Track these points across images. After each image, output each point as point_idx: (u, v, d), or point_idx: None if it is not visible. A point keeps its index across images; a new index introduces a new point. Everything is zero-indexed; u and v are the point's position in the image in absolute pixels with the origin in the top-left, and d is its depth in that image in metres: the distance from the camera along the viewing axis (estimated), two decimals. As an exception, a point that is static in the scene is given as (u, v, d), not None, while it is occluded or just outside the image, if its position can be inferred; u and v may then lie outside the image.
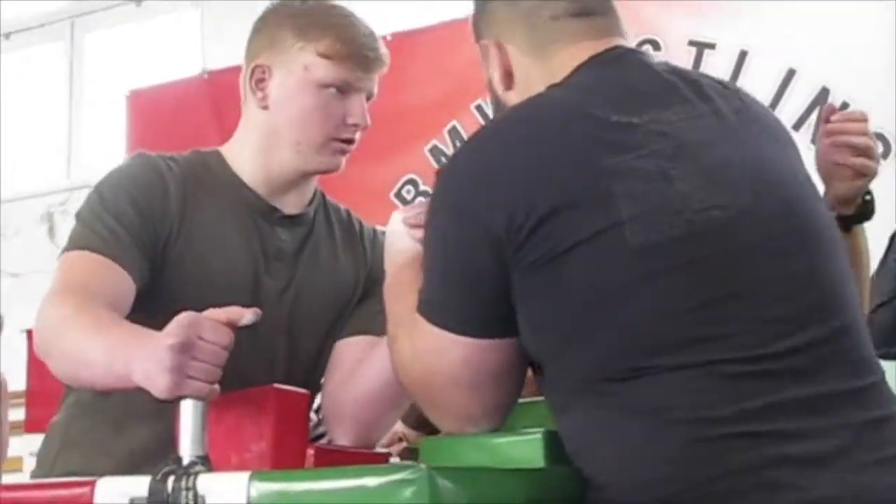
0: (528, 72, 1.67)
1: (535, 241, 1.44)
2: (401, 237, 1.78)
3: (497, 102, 1.72)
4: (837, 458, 1.40)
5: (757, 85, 4.48)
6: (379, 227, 2.16)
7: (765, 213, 1.50)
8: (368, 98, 2.03)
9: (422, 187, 5.36)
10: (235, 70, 2.09)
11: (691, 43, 4.77)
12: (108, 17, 6.86)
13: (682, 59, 4.48)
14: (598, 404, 1.44)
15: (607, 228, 1.42)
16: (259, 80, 2.01)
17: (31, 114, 6.90)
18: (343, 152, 2.01)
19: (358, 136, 2.02)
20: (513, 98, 1.68)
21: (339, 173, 2.06)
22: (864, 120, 2.15)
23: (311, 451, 1.73)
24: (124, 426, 1.92)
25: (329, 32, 1.98)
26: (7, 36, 7.12)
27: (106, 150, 6.41)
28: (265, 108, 2.01)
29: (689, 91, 1.58)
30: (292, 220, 2.05)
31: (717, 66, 4.57)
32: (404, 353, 1.60)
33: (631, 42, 1.71)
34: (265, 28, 2.04)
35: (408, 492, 1.24)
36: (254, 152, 2.02)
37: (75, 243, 1.89)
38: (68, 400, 2.00)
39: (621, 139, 1.48)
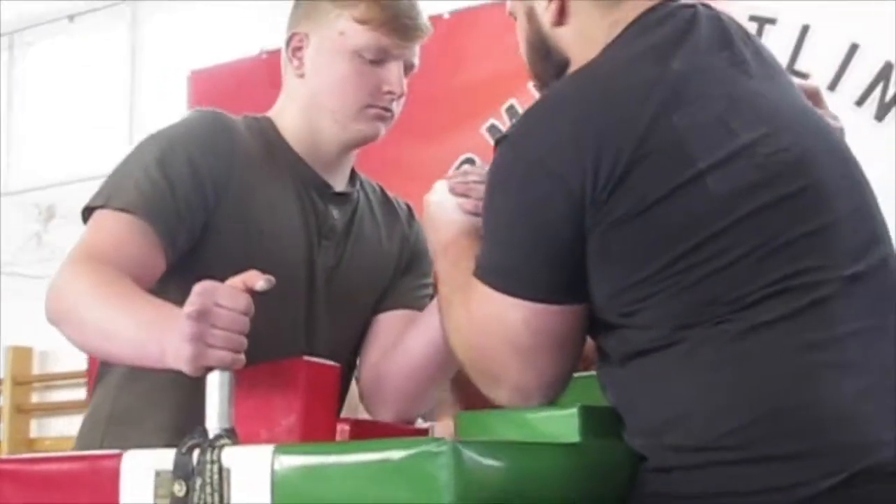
0: (589, 15, 1.65)
1: (617, 196, 1.45)
2: (449, 208, 1.75)
3: (536, 38, 1.69)
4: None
5: (819, 60, 4.40)
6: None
7: (821, 154, 1.56)
8: (409, 69, 2.00)
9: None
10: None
11: (752, 18, 4.68)
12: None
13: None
14: (699, 342, 1.44)
15: (689, 180, 1.45)
16: (296, 49, 1.99)
17: (92, 96, 6.92)
18: (381, 118, 1.97)
19: (396, 106, 1.99)
20: (563, 35, 1.67)
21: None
22: None
23: (346, 427, 1.70)
24: (178, 399, 1.83)
25: None
26: (71, 18, 7.16)
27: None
28: (301, 76, 1.99)
29: (726, 39, 1.61)
30: (342, 198, 2.03)
31: (778, 41, 4.49)
32: (459, 319, 1.59)
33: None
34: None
35: (433, 464, 1.23)
36: (297, 123, 2.00)
37: (112, 198, 1.82)
38: (109, 377, 1.94)
39: (683, 92, 1.51)
